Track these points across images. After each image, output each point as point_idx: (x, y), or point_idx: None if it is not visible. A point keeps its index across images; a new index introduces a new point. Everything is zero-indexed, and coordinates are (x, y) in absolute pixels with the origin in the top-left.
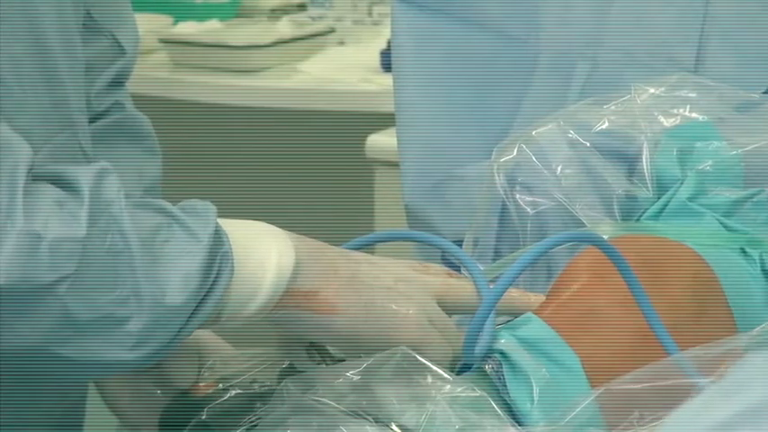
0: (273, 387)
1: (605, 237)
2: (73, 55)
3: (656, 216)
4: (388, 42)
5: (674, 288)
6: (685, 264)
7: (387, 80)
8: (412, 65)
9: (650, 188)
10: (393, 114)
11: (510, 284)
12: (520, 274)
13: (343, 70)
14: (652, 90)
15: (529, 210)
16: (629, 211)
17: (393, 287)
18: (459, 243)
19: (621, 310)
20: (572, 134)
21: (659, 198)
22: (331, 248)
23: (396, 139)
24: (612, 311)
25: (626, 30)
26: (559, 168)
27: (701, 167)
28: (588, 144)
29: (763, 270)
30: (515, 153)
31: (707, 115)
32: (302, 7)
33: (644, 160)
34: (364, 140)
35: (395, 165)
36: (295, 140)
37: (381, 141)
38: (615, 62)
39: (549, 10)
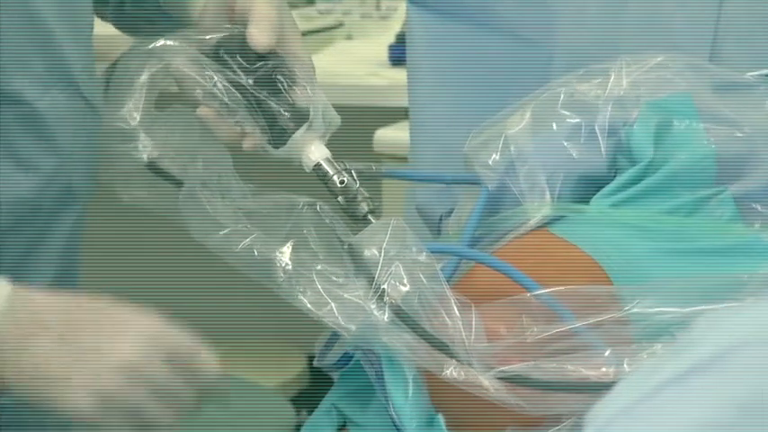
0: None
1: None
2: (72, 20)
3: (612, 194)
4: (397, 36)
5: (560, 276)
6: (572, 260)
7: (395, 74)
8: (426, 67)
9: (607, 163)
10: (401, 109)
11: None
12: None
13: (352, 64)
14: (633, 69)
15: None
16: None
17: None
18: None
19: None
20: (538, 112)
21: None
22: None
23: (403, 133)
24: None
25: (640, 32)
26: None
27: (672, 167)
28: (554, 125)
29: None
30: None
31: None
32: (310, 1)
33: (598, 127)
34: (372, 135)
35: (403, 159)
36: None
37: (389, 135)
38: None
39: (564, 12)
